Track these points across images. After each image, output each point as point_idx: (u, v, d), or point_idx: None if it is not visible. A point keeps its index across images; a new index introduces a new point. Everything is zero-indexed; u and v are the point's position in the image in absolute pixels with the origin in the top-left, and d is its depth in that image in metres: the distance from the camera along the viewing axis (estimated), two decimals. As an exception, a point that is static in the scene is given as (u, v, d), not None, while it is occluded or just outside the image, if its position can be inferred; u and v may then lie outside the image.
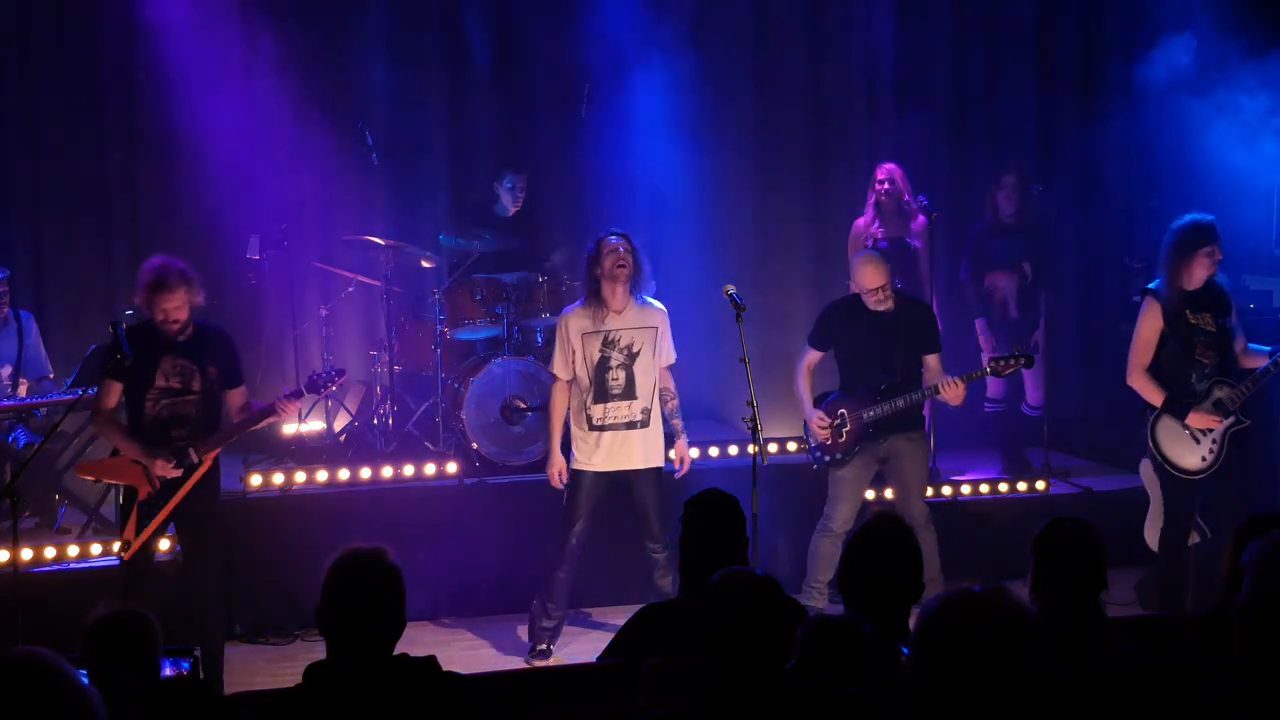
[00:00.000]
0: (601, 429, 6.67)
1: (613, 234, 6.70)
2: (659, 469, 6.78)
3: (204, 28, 8.51)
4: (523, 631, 7.06)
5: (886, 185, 8.16)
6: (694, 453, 7.89)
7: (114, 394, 6.00)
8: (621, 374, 6.67)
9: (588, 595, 7.36)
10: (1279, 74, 8.50)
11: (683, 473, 6.82)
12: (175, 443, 6.00)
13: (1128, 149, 9.00)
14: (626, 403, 6.68)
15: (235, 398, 6.19)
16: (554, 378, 6.78)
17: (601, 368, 6.66)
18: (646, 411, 6.72)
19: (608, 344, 6.66)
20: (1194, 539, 7.16)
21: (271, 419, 6.27)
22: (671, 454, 6.84)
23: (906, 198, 8.19)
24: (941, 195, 8.80)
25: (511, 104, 8.99)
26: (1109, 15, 9.55)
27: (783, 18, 9.36)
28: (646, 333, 6.71)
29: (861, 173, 8.61)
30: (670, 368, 6.87)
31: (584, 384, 6.69)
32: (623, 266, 6.59)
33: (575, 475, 6.74)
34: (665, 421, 6.87)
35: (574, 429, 6.76)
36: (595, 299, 6.65)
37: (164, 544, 6.61)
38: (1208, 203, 7.82)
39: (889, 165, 8.26)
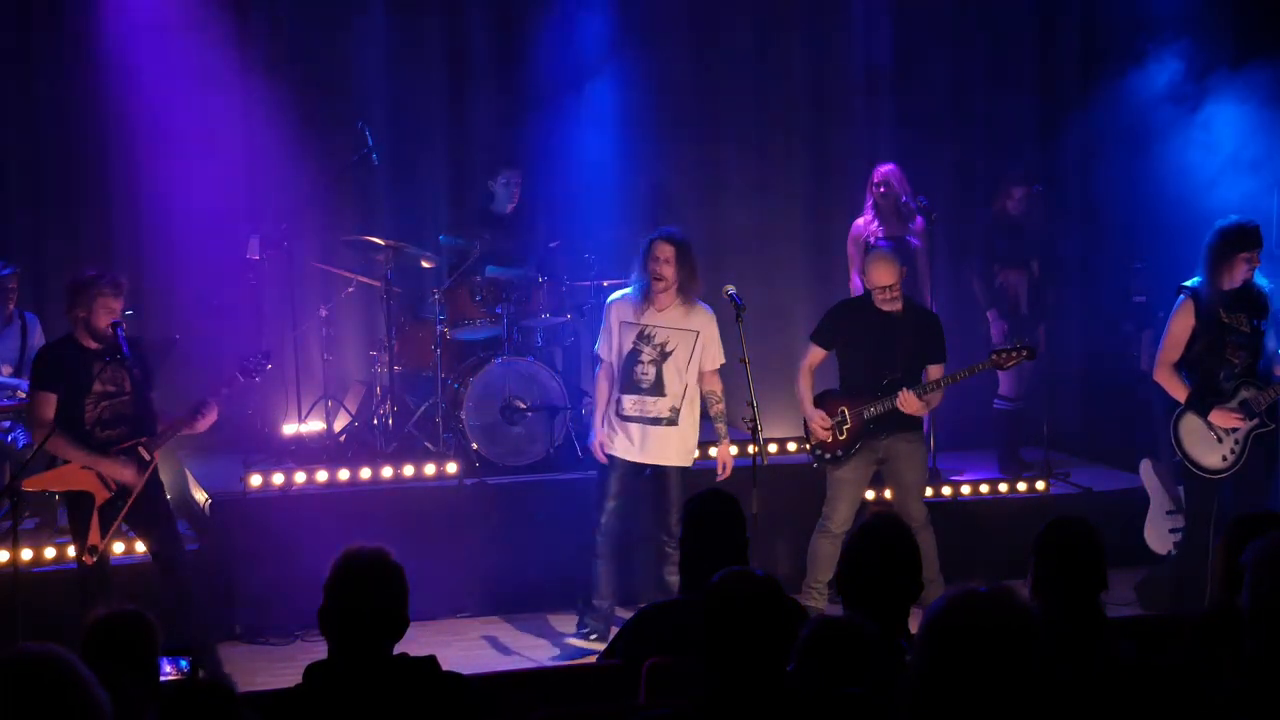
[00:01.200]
0: (628, 420, 6.76)
1: (665, 239, 6.70)
2: (687, 469, 6.84)
3: (204, 27, 8.51)
4: (529, 629, 7.17)
5: (882, 188, 8.16)
6: (694, 453, 7.92)
7: (51, 406, 6.07)
8: (651, 370, 6.73)
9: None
10: (1277, 76, 8.51)
11: (724, 476, 6.81)
12: (121, 442, 6.09)
13: (1128, 149, 9.00)
14: (653, 399, 6.74)
15: (153, 400, 6.30)
16: (595, 355, 6.90)
17: (631, 360, 6.74)
18: (675, 410, 6.76)
19: (641, 338, 6.73)
20: (1169, 548, 7.15)
21: (214, 411, 6.30)
22: (713, 453, 6.87)
23: (904, 198, 8.19)
24: (941, 195, 8.81)
25: (509, 102, 8.98)
26: (1108, 17, 9.54)
27: (783, 18, 9.36)
28: (685, 335, 6.75)
29: (861, 173, 8.61)
30: (719, 372, 6.87)
31: (616, 371, 6.79)
32: (660, 279, 6.65)
33: (608, 461, 6.83)
34: (711, 423, 6.90)
35: (609, 415, 6.84)
36: (643, 292, 6.73)
37: (118, 546, 6.71)
38: (1207, 203, 7.83)
39: (885, 167, 8.26)
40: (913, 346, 6.77)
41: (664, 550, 6.78)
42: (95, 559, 6.03)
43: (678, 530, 6.59)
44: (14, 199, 8.41)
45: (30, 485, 6.46)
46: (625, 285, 7.04)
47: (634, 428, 6.75)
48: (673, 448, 6.78)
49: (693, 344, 6.75)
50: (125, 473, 6.05)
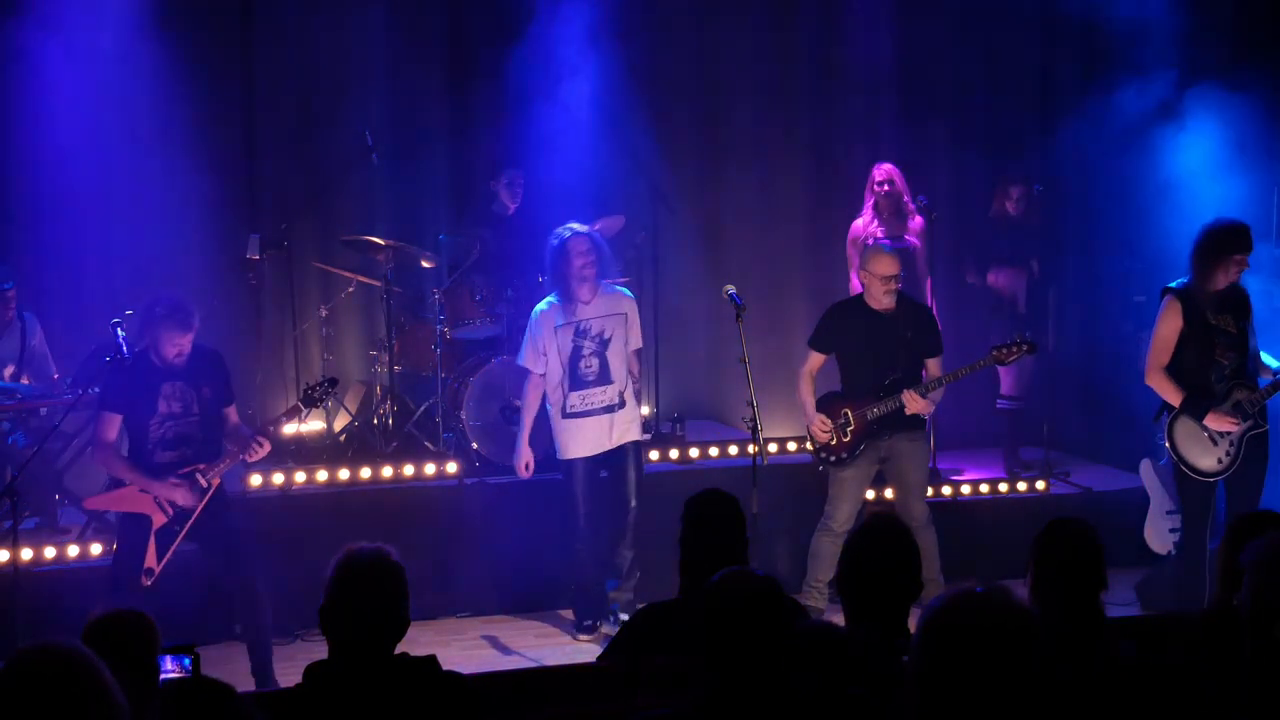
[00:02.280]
0: (578, 415, 6.91)
1: (579, 233, 6.92)
2: (638, 442, 7.10)
3: (204, 27, 8.52)
4: (528, 629, 7.22)
5: (886, 186, 8.15)
6: (694, 452, 7.96)
7: (114, 426, 6.10)
8: (595, 361, 6.92)
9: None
10: (1275, 75, 8.50)
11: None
12: (181, 465, 6.09)
13: (1127, 150, 9.00)
14: (602, 388, 6.93)
15: (229, 416, 6.28)
16: (528, 372, 7.01)
17: (575, 357, 6.91)
18: (621, 394, 6.99)
19: (579, 334, 6.91)
20: (1169, 548, 7.15)
21: (268, 442, 6.26)
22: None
23: (905, 198, 8.19)
24: (941, 196, 8.81)
25: (510, 101, 8.98)
26: (1108, 19, 9.53)
27: (784, 18, 9.36)
28: (616, 319, 6.95)
29: (861, 172, 8.61)
30: (640, 353, 7.15)
31: (558, 375, 6.92)
32: (591, 268, 6.85)
33: (566, 466, 7.00)
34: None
35: (554, 422, 6.99)
36: (564, 294, 6.92)
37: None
38: (1208, 203, 7.82)
39: (887, 165, 8.26)
40: (911, 343, 6.77)
41: (621, 530, 6.98)
42: (152, 581, 6.04)
43: (631, 503, 6.91)
44: (14, 199, 8.40)
45: (91, 505, 6.60)
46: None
47: (585, 422, 6.92)
48: (625, 428, 7.01)
49: (624, 327, 6.99)
50: (177, 494, 6.04)
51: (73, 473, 7.44)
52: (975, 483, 8.20)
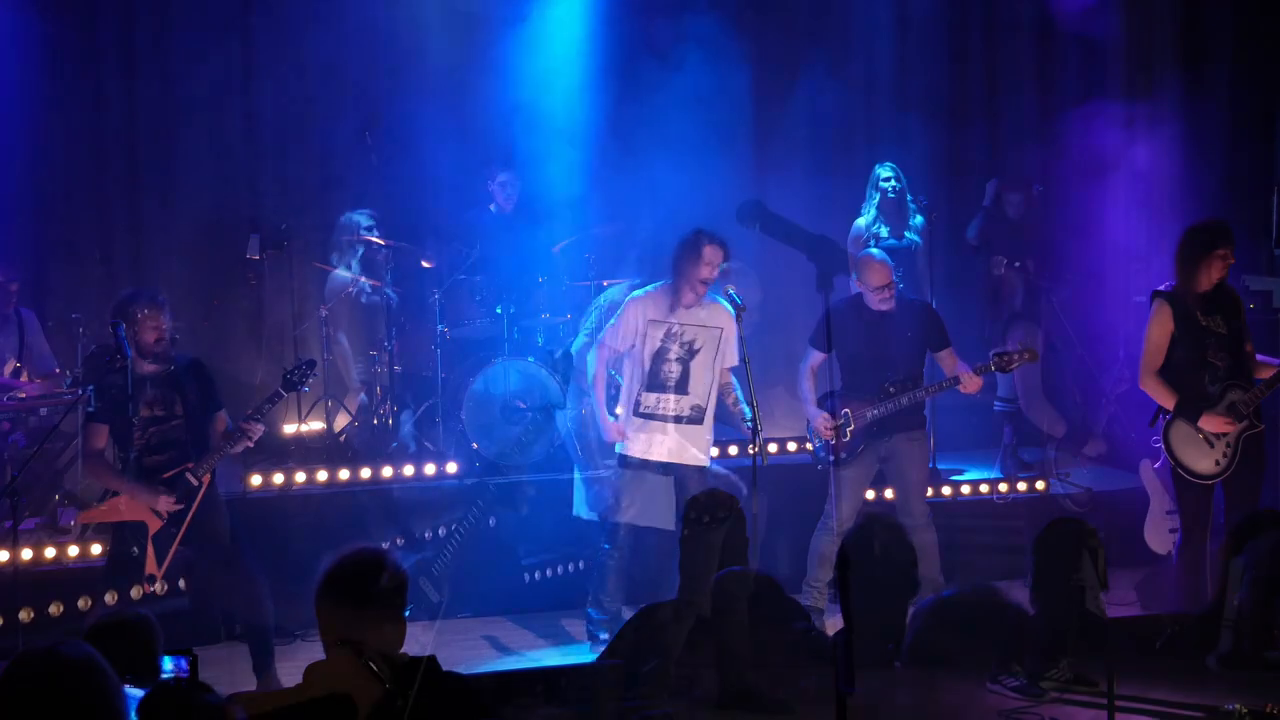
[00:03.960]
0: (648, 417, 6.64)
1: (719, 244, 6.55)
2: (705, 468, 6.71)
3: (203, 29, 8.52)
4: (529, 629, 7.17)
5: (893, 181, 8.15)
6: (714, 451, 7.85)
7: (101, 436, 6.12)
8: (678, 367, 6.63)
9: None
10: (1273, 77, 8.51)
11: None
12: (170, 467, 6.09)
13: (1127, 149, 9.01)
14: (677, 396, 6.64)
15: (218, 421, 6.28)
16: (600, 342, 6.73)
17: (659, 358, 6.63)
18: (698, 409, 6.66)
19: (669, 336, 6.62)
20: (1169, 548, 7.15)
21: (259, 427, 6.26)
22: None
23: (908, 196, 8.20)
24: (941, 197, 8.82)
25: (510, 102, 8.99)
26: (1107, 22, 9.55)
27: (786, 21, 9.37)
28: (711, 332, 6.65)
29: (862, 173, 8.62)
30: (736, 371, 6.73)
31: (640, 369, 6.64)
32: (707, 285, 6.54)
33: (623, 461, 6.70)
34: (732, 415, 6.80)
35: (623, 415, 6.73)
36: (673, 292, 6.60)
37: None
38: (1208, 203, 7.84)
39: (891, 164, 8.27)
40: (911, 342, 6.77)
41: None
42: (152, 587, 6.04)
43: None
44: (14, 198, 8.41)
45: (85, 519, 6.59)
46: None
47: (653, 425, 6.64)
48: (694, 446, 6.66)
49: (717, 341, 6.67)
50: (160, 501, 6.04)
51: (73, 473, 7.44)
52: (975, 483, 8.20)
